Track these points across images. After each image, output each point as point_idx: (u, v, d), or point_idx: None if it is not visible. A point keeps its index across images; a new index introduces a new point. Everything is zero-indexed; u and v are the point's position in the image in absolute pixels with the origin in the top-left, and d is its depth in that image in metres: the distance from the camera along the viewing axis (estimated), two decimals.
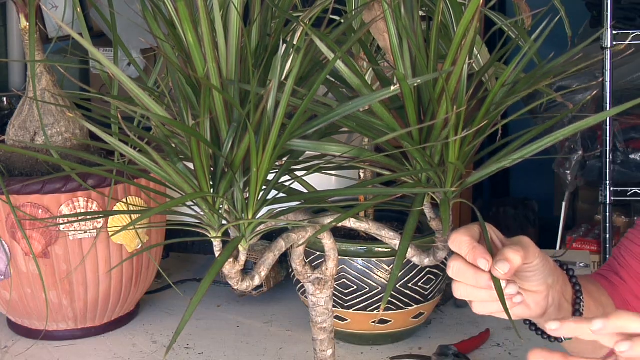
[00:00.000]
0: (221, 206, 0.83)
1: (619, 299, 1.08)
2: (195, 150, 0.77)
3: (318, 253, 1.31)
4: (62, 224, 1.33)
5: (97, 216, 1.32)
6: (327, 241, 0.97)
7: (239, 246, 0.86)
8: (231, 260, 0.87)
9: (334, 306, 1.36)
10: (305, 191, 0.93)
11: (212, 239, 0.85)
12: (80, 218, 1.32)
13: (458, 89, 0.83)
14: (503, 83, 0.87)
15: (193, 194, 0.80)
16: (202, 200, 0.82)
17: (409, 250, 0.96)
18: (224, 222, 0.85)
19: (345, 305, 1.36)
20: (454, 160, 0.86)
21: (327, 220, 0.91)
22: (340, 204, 0.93)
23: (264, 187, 0.84)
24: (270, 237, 0.99)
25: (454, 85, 0.82)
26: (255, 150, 0.78)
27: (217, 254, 0.87)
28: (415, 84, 0.84)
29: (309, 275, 0.99)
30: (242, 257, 0.88)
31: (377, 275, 1.32)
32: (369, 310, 1.35)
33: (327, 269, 0.99)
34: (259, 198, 0.83)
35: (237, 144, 0.80)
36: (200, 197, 0.81)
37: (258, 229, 0.86)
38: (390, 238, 0.95)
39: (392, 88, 0.80)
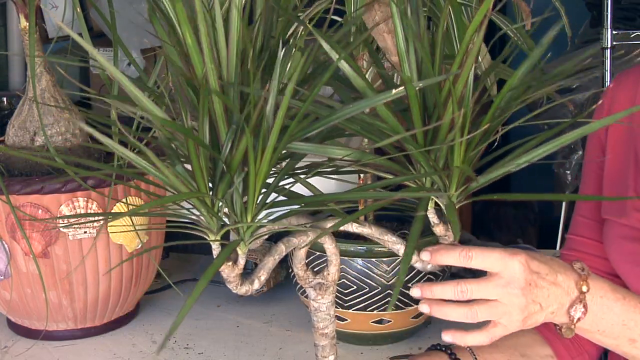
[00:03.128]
0: (219, 209, 0.83)
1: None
2: (192, 151, 0.77)
3: (318, 253, 1.31)
4: (62, 225, 1.33)
5: (97, 218, 1.31)
6: (329, 246, 0.95)
7: (238, 249, 0.85)
8: (230, 263, 0.86)
9: None
10: (306, 195, 0.92)
11: (211, 242, 0.85)
12: (81, 220, 1.32)
13: (464, 92, 0.83)
14: (510, 87, 0.86)
15: (188, 193, 0.80)
16: (201, 202, 0.81)
17: (412, 256, 0.96)
18: (223, 224, 0.84)
19: (345, 305, 1.36)
20: (459, 164, 0.85)
21: (329, 224, 0.91)
22: (340, 207, 0.92)
23: (263, 190, 0.83)
24: (271, 237, 0.99)
25: (461, 88, 0.82)
26: (253, 153, 0.78)
27: (215, 256, 0.86)
28: (419, 87, 0.83)
29: (310, 280, 0.97)
30: (241, 261, 0.87)
31: (377, 275, 1.32)
32: (368, 310, 1.35)
33: (328, 274, 0.97)
34: (258, 201, 0.83)
35: (235, 147, 0.80)
36: (196, 197, 0.80)
37: (258, 232, 0.85)
38: (393, 243, 0.95)
39: (395, 91, 0.79)
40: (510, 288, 0.93)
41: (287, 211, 0.88)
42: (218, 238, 0.84)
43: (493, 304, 0.94)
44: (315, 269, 0.99)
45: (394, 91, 0.79)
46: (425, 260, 0.94)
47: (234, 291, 0.89)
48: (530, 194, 0.92)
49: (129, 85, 0.76)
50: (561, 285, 0.96)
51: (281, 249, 0.90)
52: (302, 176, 0.89)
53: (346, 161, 0.86)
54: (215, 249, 0.86)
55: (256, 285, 0.89)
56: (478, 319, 0.94)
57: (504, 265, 0.93)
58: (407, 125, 0.86)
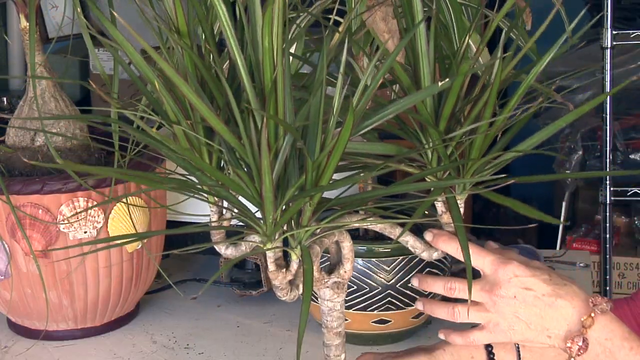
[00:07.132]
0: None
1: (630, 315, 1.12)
2: (265, 156, 0.74)
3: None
4: (62, 223, 1.33)
5: (98, 222, 1.31)
6: (347, 243, 0.94)
7: (292, 255, 0.84)
8: (283, 270, 0.84)
9: None
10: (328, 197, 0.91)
11: (267, 251, 0.82)
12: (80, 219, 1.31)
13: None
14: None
15: (258, 202, 0.77)
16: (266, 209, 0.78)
17: (418, 244, 0.96)
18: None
19: (346, 305, 1.35)
20: (476, 155, 0.88)
21: (354, 218, 0.91)
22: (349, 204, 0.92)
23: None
24: None
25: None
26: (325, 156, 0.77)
27: (271, 266, 0.83)
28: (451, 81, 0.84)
29: (325, 280, 0.95)
30: (295, 266, 0.85)
31: (377, 275, 1.32)
32: (369, 310, 1.35)
33: (345, 272, 0.95)
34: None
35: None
36: (259, 204, 0.78)
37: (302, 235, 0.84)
38: (392, 226, 0.95)
39: (441, 83, 0.80)
40: (492, 294, 0.92)
41: (338, 214, 0.88)
42: (276, 245, 0.82)
43: (477, 307, 0.93)
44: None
45: (440, 84, 0.80)
46: (427, 239, 0.94)
47: (283, 299, 0.86)
48: (534, 176, 0.92)
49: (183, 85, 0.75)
50: (560, 310, 0.92)
51: (317, 250, 0.88)
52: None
53: (385, 156, 0.87)
54: (271, 257, 0.83)
55: (301, 289, 0.86)
56: (460, 320, 0.94)
57: (493, 270, 0.93)
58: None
